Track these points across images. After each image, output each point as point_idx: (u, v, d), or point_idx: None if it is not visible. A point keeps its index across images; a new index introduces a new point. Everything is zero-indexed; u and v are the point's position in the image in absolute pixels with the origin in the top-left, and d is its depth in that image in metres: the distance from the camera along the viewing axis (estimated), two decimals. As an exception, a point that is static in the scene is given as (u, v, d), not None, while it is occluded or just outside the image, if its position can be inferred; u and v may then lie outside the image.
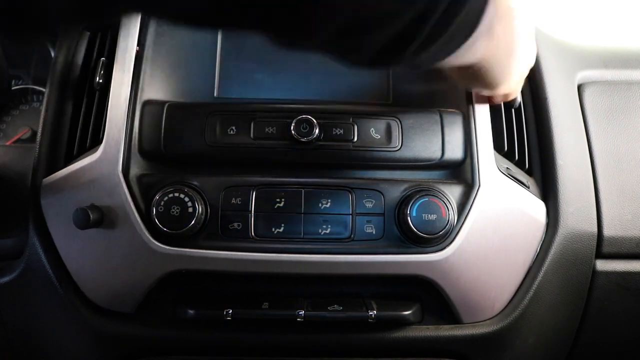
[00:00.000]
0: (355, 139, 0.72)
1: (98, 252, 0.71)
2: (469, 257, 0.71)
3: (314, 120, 0.71)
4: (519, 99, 0.79)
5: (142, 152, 0.71)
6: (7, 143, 1.14)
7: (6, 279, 0.77)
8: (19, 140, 1.14)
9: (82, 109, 0.78)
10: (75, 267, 0.73)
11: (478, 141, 0.73)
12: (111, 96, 0.73)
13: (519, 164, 0.80)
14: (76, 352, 0.80)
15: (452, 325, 0.75)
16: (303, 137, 0.71)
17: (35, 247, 0.74)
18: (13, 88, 1.09)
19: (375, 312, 0.71)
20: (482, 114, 0.75)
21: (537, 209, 0.76)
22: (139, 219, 0.68)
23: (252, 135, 0.71)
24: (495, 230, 0.72)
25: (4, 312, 0.80)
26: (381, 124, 0.73)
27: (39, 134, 0.77)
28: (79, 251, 0.72)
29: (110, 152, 0.71)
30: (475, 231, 0.71)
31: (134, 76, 0.74)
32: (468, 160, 0.73)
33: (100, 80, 0.77)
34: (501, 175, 0.73)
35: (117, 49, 0.76)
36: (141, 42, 0.76)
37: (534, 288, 0.75)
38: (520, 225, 0.74)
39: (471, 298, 0.73)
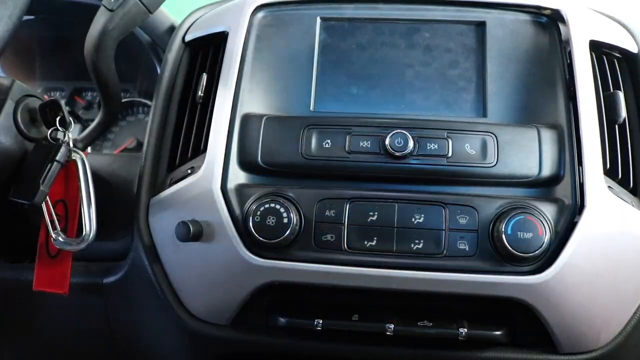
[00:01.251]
0: (450, 154, 0.71)
1: (197, 265, 0.74)
2: (572, 282, 0.68)
3: (409, 135, 0.71)
4: (623, 114, 0.75)
5: (241, 163, 0.74)
6: (115, 152, 1.23)
7: (112, 278, 0.83)
8: (125, 149, 1.22)
9: (185, 122, 0.83)
10: (177, 281, 0.77)
11: (584, 159, 0.70)
12: (215, 110, 0.76)
13: (622, 183, 0.76)
14: (172, 352, 0.84)
15: (548, 354, 0.72)
16: (397, 151, 0.71)
17: (138, 251, 0.78)
18: (122, 100, 1.17)
19: (465, 330, 0.70)
20: (589, 129, 0.72)
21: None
22: (235, 231, 0.71)
23: (347, 148, 0.72)
24: (603, 255, 0.68)
25: (109, 311, 0.85)
26: (476, 139, 0.72)
27: (145, 144, 0.82)
28: (180, 264, 0.76)
29: (211, 164, 0.74)
30: (580, 254, 0.67)
31: (235, 91, 0.77)
32: (567, 179, 0.70)
33: (202, 95, 0.81)
34: (611, 195, 0.70)
35: (221, 65, 0.80)
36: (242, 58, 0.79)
37: None
38: (631, 251, 0.70)
39: (574, 326, 0.70)
